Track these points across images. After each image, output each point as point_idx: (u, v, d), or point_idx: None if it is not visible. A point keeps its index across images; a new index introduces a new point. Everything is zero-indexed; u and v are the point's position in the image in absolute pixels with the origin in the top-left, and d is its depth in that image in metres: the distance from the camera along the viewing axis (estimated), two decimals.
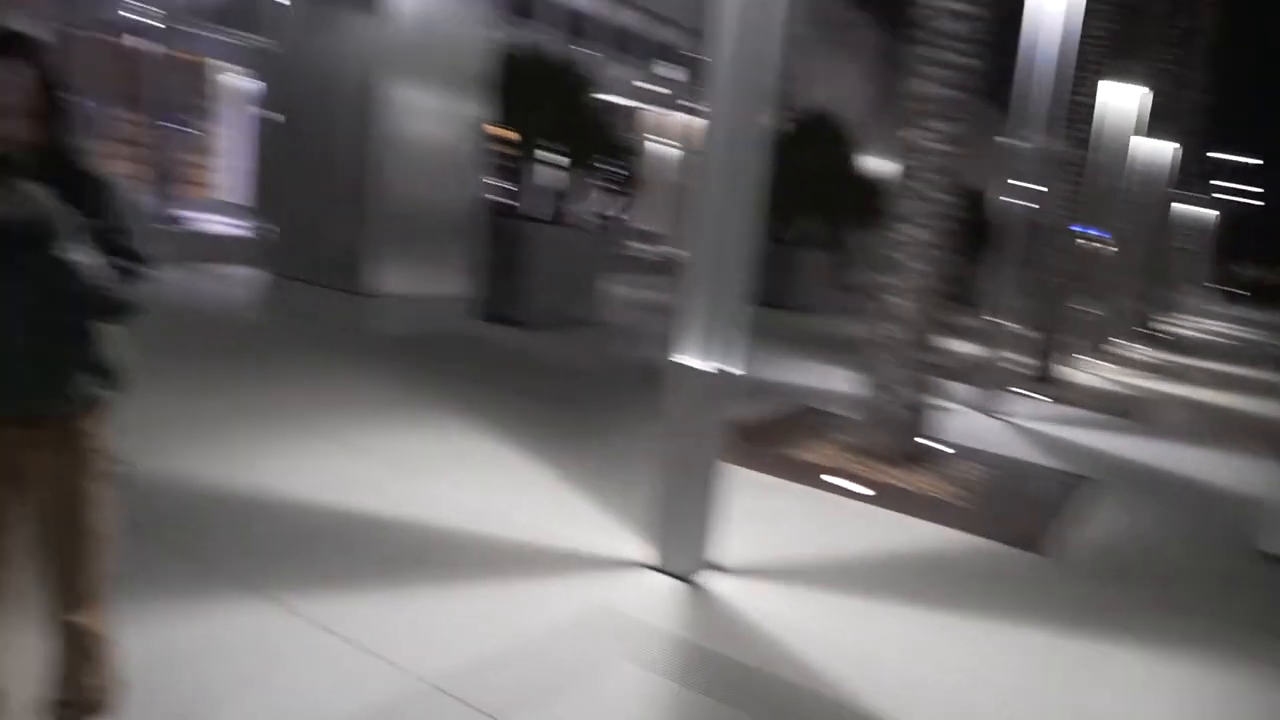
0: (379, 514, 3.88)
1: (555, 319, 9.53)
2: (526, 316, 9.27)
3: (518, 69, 9.32)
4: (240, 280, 9.48)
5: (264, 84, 11.14)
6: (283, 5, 8.37)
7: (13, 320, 1.78)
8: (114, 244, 1.87)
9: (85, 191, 1.85)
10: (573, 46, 16.33)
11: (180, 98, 13.65)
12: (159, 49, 11.91)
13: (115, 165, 12.35)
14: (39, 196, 1.75)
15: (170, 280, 9.55)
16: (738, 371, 3.63)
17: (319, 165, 8.09)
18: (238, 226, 12.14)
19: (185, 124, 14.48)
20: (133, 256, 1.91)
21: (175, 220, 11.59)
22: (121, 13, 11.23)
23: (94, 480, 1.95)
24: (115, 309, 1.87)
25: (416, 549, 3.61)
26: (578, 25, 17.84)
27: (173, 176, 12.19)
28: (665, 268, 15.09)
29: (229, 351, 6.73)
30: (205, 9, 14.65)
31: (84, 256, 1.78)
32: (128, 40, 11.78)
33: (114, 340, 1.94)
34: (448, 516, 3.95)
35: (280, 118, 8.54)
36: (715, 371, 3.59)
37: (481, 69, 8.49)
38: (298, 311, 8.12)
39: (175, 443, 4.43)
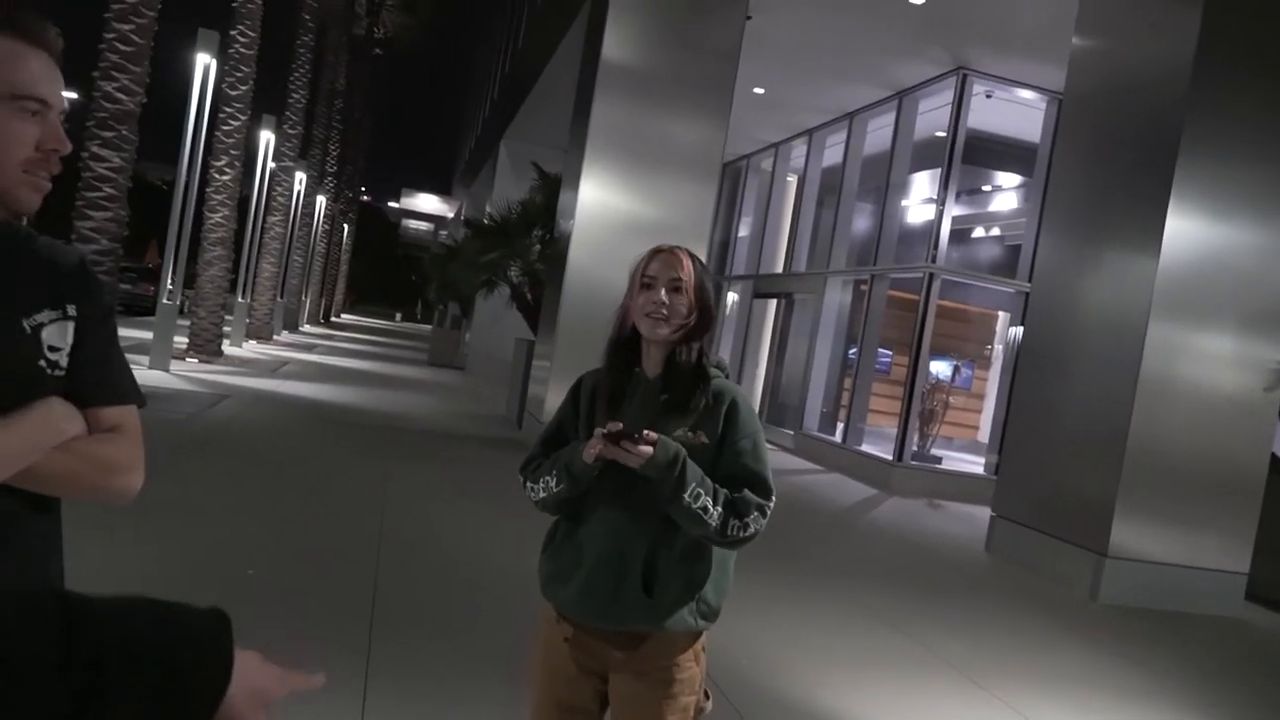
0: None
1: None
2: None
3: None
4: (978, 520, 9.34)
5: (1025, 328, 11.25)
6: (1050, 251, 8.37)
7: (629, 536, 1.83)
8: (736, 471, 1.84)
9: (713, 413, 1.86)
10: None
11: (960, 345, 14.57)
12: (940, 301, 12.89)
13: (882, 403, 13.54)
14: (690, 435, 1.83)
15: (903, 511, 9.94)
16: None
17: (1070, 411, 7.62)
18: (985, 467, 12.14)
19: (957, 369, 15.34)
20: (757, 485, 1.83)
21: (929, 458, 12.08)
22: (905, 269, 12.53)
23: (674, 715, 1.86)
24: (734, 541, 1.81)
25: None
26: None
27: (937, 418, 12.81)
28: None
29: (927, 588, 6.52)
30: (990, 261, 15.62)
31: (708, 492, 1.77)
32: (915, 293, 13.07)
33: (723, 563, 1.88)
34: None
35: (1027, 358, 8.39)
36: None
37: None
38: (1026, 561, 7.59)
39: (830, 677, 4.31)
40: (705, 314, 1.89)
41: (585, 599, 1.83)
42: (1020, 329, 12.53)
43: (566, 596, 1.87)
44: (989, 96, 11.89)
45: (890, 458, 11.69)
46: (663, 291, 1.84)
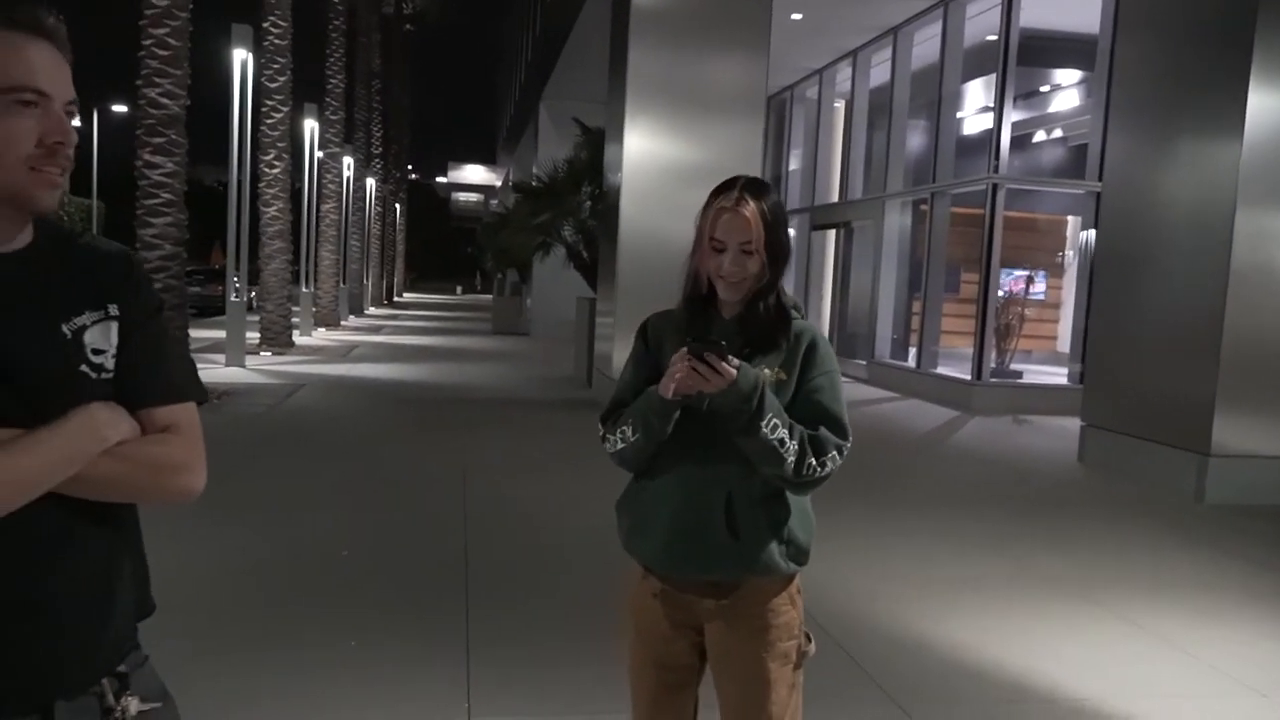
0: None
1: None
2: None
3: None
4: (1067, 433, 9.07)
5: (1100, 230, 10.80)
6: (1121, 148, 7.97)
7: (708, 482, 1.77)
8: (812, 408, 1.77)
9: (792, 351, 1.80)
10: None
11: (1030, 256, 14.10)
12: (1006, 213, 12.47)
13: (954, 323, 13.21)
14: (767, 372, 1.76)
15: (993, 431, 9.70)
16: None
17: (1157, 311, 7.30)
18: (1068, 378, 11.79)
19: (1030, 280, 14.87)
20: (834, 425, 1.76)
21: (1009, 373, 11.77)
22: (967, 183, 12.11)
23: (774, 661, 1.80)
24: (809, 481, 1.74)
25: None
26: None
27: (1014, 332, 12.45)
28: None
29: (1023, 506, 6.35)
30: (1053, 164, 15.04)
31: (785, 425, 1.70)
32: (979, 207, 12.65)
33: (802, 504, 1.81)
34: None
35: (1105, 262, 8.06)
36: None
37: None
38: (1123, 469, 7.36)
39: (932, 602, 4.22)
40: (778, 263, 1.82)
41: (670, 550, 1.79)
42: (1092, 232, 12.07)
43: (650, 549, 1.83)
44: None
45: (969, 377, 11.42)
46: (730, 258, 1.77)
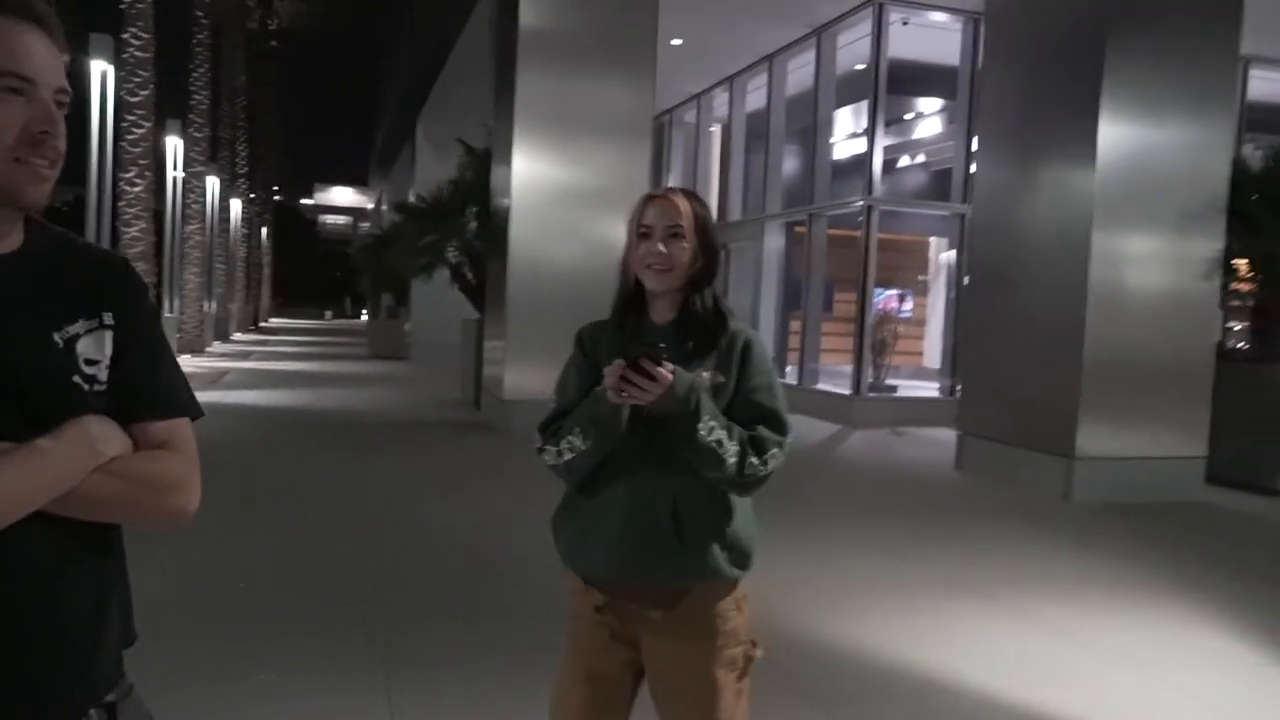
0: (1079, 718, 3.24)
1: None
2: (1278, 481, 7.52)
3: (1260, 186, 7.94)
4: (941, 443, 9.54)
5: (967, 251, 11.44)
6: (987, 172, 8.48)
7: (654, 488, 1.75)
8: (752, 408, 1.78)
9: (729, 353, 1.81)
10: None
11: (897, 275, 14.78)
12: (878, 233, 13.03)
13: (831, 341, 13.71)
14: (705, 375, 1.76)
15: (873, 443, 10.11)
16: None
17: (1023, 325, 7.79)
18: (940, 390, 12.39)
19: (901, 298, 15.58)
20: (773, 423, 1.78)
21: (885, 388, 12.28)
22: (843, 205, 12.62)
23: (721, 669, 1.79)
24: (752, 481, 1.74)
25: None
26: None
27: (888, 348, 12.98)
28: None
29: (911, 512, 6.66)
30: (918, 188, 15.83)
31: (722, 426, 1.71)
32: (854, 229, 13.18)
33: (745, 510, 1.82)
34: None
35: (975, 280, 8.55)
36: None
37: (1215, 200, 7.36)
38: (997, 474, 7.79)
39: (839, 605, 4.38)
40: (711, 256, 1.82)
41: (615, 560, 1.76)
42: (953, 253, 12.77)
43: (594, 560, 1.79)
44: (905, 24, 11.95)
45: (848, 392, 11.86)
46: (660, 242, 1.78)
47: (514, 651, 3.58)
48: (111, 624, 1.18)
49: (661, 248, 1.77)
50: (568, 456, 1.77)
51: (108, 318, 1.17)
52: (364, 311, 57.68)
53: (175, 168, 18.69)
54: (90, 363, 1.14)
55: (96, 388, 1.14)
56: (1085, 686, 3.53)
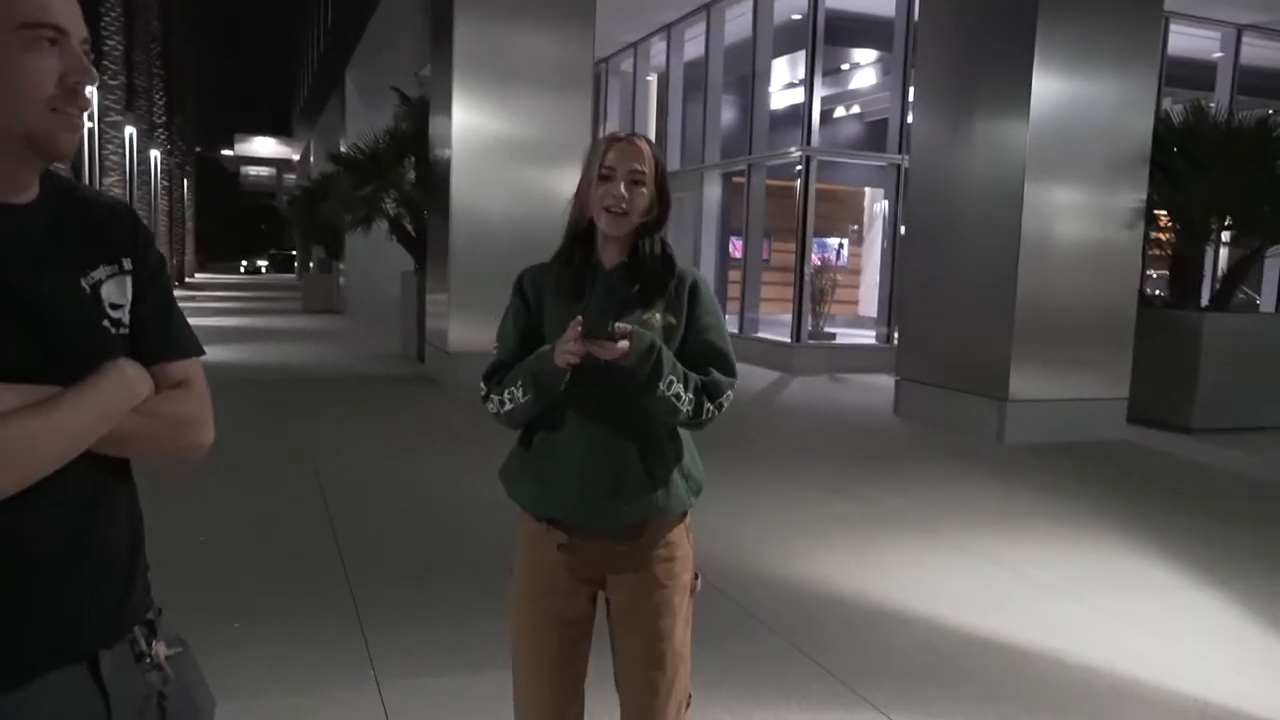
0: (1020, 642, 3.48)
1: (1231, 423, 8.03)
2: (1193, 420, 7.97)
3: (1181, 139, 8.27)
4: (879, 388, 9.84)
5: (904, 201, 11.70)
6: (924, 125, 8.66)
7: (615, 428, 1.80)
8: (703, 349, 1.85)
9: (678, 295, 1.85)
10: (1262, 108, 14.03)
11: (832, 225, 15.01)
12: (815, 184, 13.23)
13: (769, 290, 13.94)
14: (657, 318, 1.80)
15: (814, 389, 10.38)
16: None
17: (958, 274, 8.05)
18: (876, 338, 12.73)
19: (837, 249, 15.86)
20: (723, 363, 1.86)
21: (824, 336, 12.56)
22: (781, 156, 12.75)
23: (678, 595, 1.87)
24: (707, 422, 1.83)
25: (1068, 690, 3.13)
26: (1270, 84, 15.29)
27: (826, 297, 13.28)
28: None
29: (853, 454, 6.91)
30: (853, 139, 16.03)
31: (680, 378, 1.77)
32: (791, 179, 13.34)
33: (691, 441, 1.91)
34: (1103, 655, 3.38)
35: (913, 230, 8.78)
36: None
37: (1139, 153, 7.67)
38: (934, 418, 8.10)
39: (791, 544, 4.59)
40: (665, 205, 1.86)
41: (583, 500, 1.80)
42: (887, 203, 13.03)
43: (561, 502, 1.82)
44: None
45: (789, 340, 12.10)
46: (622, 185, 1.78)
47: (487, 596, 3.68)
48: (142, 550, 1.27)
49: (623, 190, 1.78)
50: (508, 406, 1.81)
51: (126, 263, 1.22)
52: (263, 265, 56.44)
53: (90, 118, 17.93)
54: (115, 307, 1.19)
55: (122, 331, 1.20)
56: (1025, 613, 3.78)
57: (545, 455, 1.83)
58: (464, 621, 3.49)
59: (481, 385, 1.87)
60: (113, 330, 1.18)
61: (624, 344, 1.66)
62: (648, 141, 1.84)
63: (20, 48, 1.07)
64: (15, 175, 1.13)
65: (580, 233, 1.86)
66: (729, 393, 1.83)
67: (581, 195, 1.84)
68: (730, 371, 1.86)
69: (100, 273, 1.18)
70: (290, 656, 3.17)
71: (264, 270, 56.00)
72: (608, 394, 1.77)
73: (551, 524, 1.84)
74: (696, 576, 1.94)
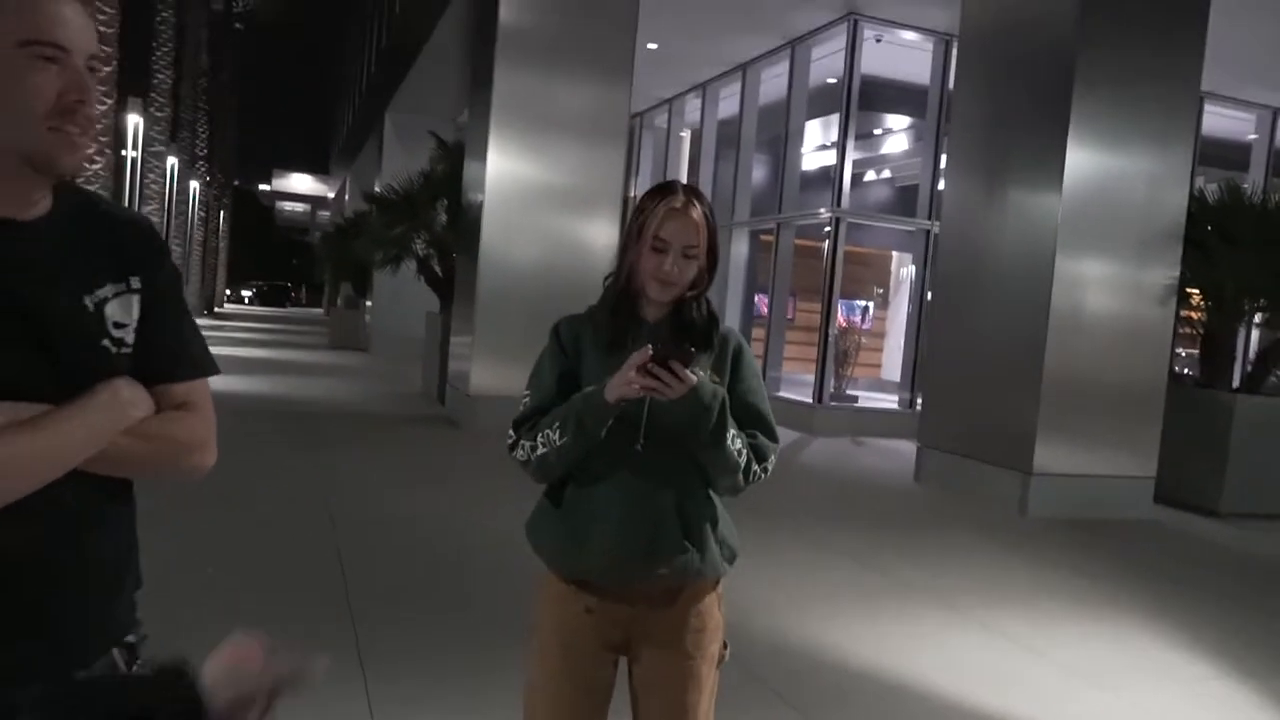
0: None
1: (1260, 509, 7.83)
2: (1221, 504, 7.79)
3: (1215, 217, 8.22)
4: (900, 454, 9.72)
5: (930, 266, 11.67)
6: (955, 190, 8.66)
7: (653, 487, 1.73)
8: (748, 411, 1.80)
9: (721, 356, 1.81)
10: None
11: (859, 288, 14.98)
12: (844, 245, 13.24)
13: (793, 350, 13.88)
14: (704, 374, 1.73)
15: (834, 451, 10.26)
16: None
17: (985, 342, 7.98)
18: (899, 403, 12.61)
19: (863, 310, 15.82)
20: (765, 427, 1.82)
21: (846, 398, 12.46)
22: (811, 216, 12.79)
23: (705, 665, 1.80)
24: (751, 486, 1.78)
25: None
26: None
27: (849, 359, 13.20)
28: None
29: (873, 521, 6.79)
30: (882, 203, 16.07)
31: (740, 435, 1.73)
32: (819, 239, 13.36)
33: (725, 509, 1.85)
34: None
35: (941, 296, 8.73)
36: None
37: (1172, 230, 7.61)
38: (955, 486, 7.96)
39: (807, 612, 4.48)
40: (714, 267, 1.81)
41: (617, 560, 1.72)
42: (913, 268, 13.00)
43: (592, 561, 1.74)
44: (879, 40, 12.15)
45: (811, 400, 12.01)
46: (670, 260, 1.73)
47: (495, 647, 3.60)
48: (132, 573, 1.25)
49: (674, 267, 1.73)
50: (541, 451, 1.72)
51: (134, 281, 1.20)
52: (246, 295, 56.66)
53: (135, 146, 18.35)
54: (119, 326, 1.18)
55: (124, 350, 1.18)
56: (1041, 695, 3.65)
57: (576, 512, 1.76)
58: (472, 673, 3.41)
59: (510, 433, 1.80)
60: (113, 349, 1.17)
61: (693, 376, 1.60)
62: (703, 209, 1.77)
63: (19, 65, 1.07)
64: (21, 191, 1.12)
65: (625, 290, 1.81)
66: (772, 458, 1.79)
67: (629, 259, 1.79)
68: (773, 436, 1.82)
69: (106, 290, 1.17)
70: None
71: (246, 300, 56.81)
72: (644, 451, 1.71)
73: (580, 586, 1.78)
74: (725, 646, 1.87)
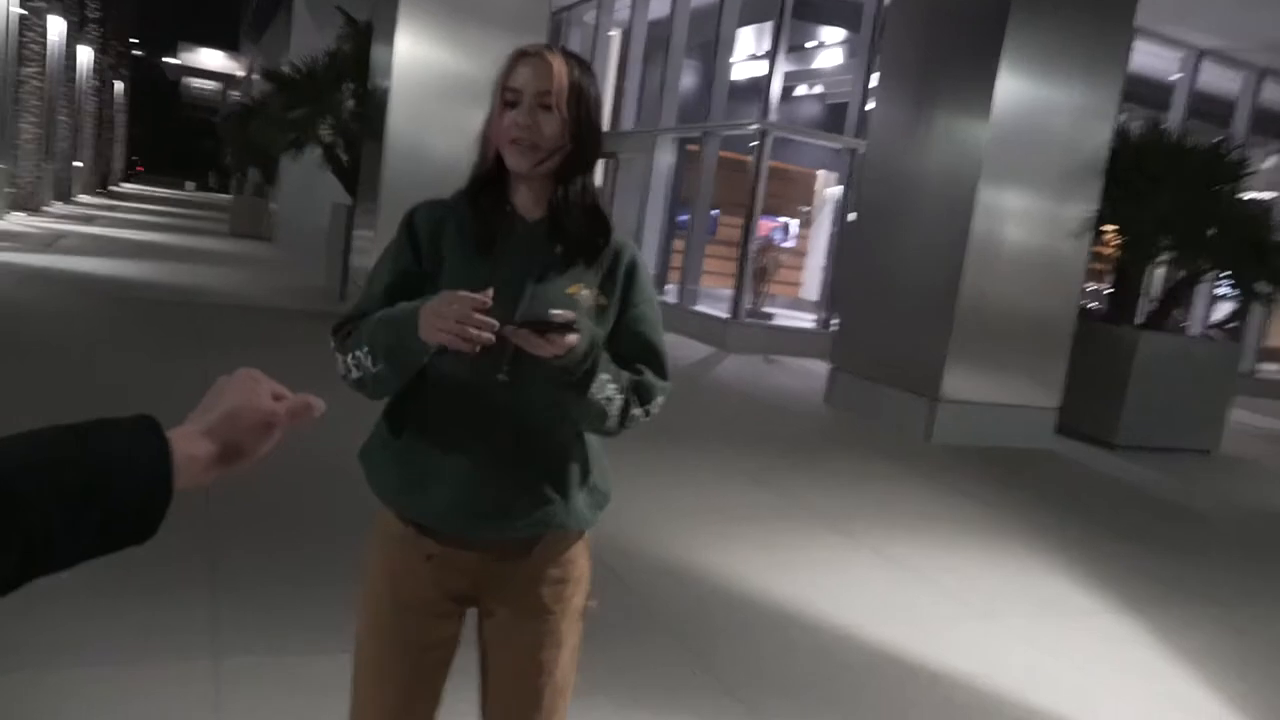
0: (928, 657, 3.28)
1: (1152, 443, 8.04)
2: (1117, 436, 7.96)
3: (1132, 157, 8.18)
4: (812, 374, 9.68)
5: (854, 187, 11.51)
6: (884, 112, 8.42)
7: (513, 429, 1.46)
8: (637, 342, 1.53)
9: (612, 271, 1.52)
10: (1216, 134, 14.13)
11: (783, 205, 14.77)
12: (769, 161, 12.95)
13: (712, 264, 13.68)
14: (586, 293, 1.46)
15: (746, 369, 10.18)
16: None
17: (903, 266, 7.86)
18: (815, 322, 12.58)
19: (784, 229, 15.65)
20: (656, 361, 1.54)
21: (762, 315, 12.36)
22: (738, 127, 12.44)
23: (565, 621, 1.56)
24: (629, 429, 1.50)
25: (975, 712, 2.94)
26: (1219, 110, 15.39)
27: (766, 276, 13.05)
28: None
29: (777, 441, 6.71)
30: (810, 119, 15.79)
31: (613, 379, 1.44)
32: (744, 154, 13.04)
33: (601, 448, 1.58)
34: (1013, 677, 3.21)
35: (863, 218, 8.57)
36: None
37: (1094, 165, 7.53)
38: (864, 410, 7.95)
39: (702, 533, 4.35)
40: (588, 137, 1.45)
41: (462, 507, 1.46)
42: (840, 188, 12.84)
43: (434, 507, 1.47)
44: None
45: (726, 316, 11.87)
46: (523, 112, 1.41)
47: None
48: None
49: (526, 117, 1.41)
50: (356, 375, 1.45)
51: None
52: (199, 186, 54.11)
53: (13, 2, 16.75)
54: None
55: None
56: (936, 628, 3.59)
57: (418, 445, 1.48)
58: (328, 599, 3.16)
59: (330, 337, 1.50)
60: None
61: (573, 338, 1.31)
62: (565, 56, 1.44)
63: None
64: None
65: (488, 172, 1.48)
66: (660, 399, 1.52)
67: (487, 126, 1.47)
68: (664, 374, 1.54)
69: None
70: (126, 611, 2.80)
71: (189, 187, 53.94)
72: (507, 387, 1.43)
73: (420, 529, 1.49)
74: (591, 598, 1.61)
